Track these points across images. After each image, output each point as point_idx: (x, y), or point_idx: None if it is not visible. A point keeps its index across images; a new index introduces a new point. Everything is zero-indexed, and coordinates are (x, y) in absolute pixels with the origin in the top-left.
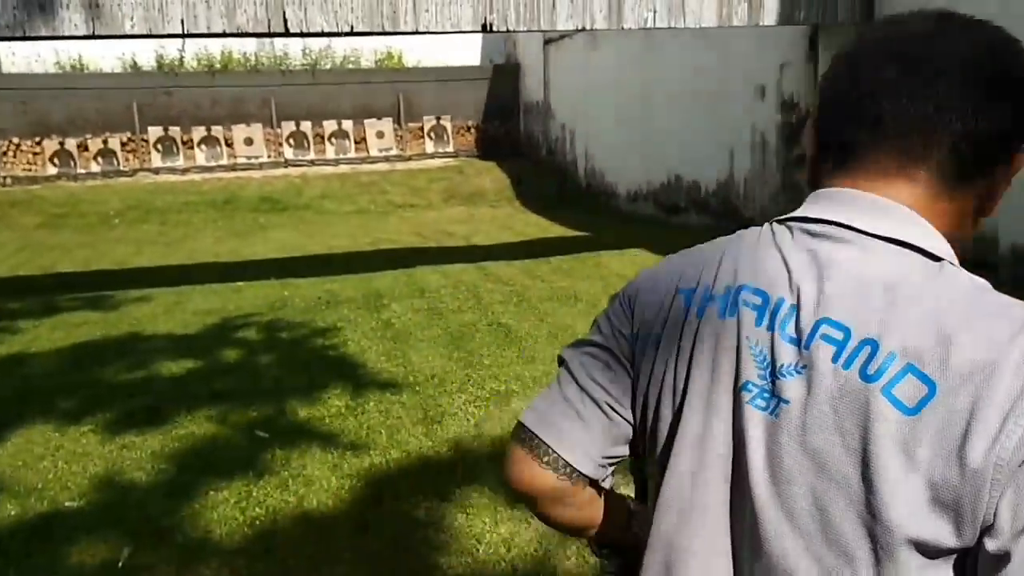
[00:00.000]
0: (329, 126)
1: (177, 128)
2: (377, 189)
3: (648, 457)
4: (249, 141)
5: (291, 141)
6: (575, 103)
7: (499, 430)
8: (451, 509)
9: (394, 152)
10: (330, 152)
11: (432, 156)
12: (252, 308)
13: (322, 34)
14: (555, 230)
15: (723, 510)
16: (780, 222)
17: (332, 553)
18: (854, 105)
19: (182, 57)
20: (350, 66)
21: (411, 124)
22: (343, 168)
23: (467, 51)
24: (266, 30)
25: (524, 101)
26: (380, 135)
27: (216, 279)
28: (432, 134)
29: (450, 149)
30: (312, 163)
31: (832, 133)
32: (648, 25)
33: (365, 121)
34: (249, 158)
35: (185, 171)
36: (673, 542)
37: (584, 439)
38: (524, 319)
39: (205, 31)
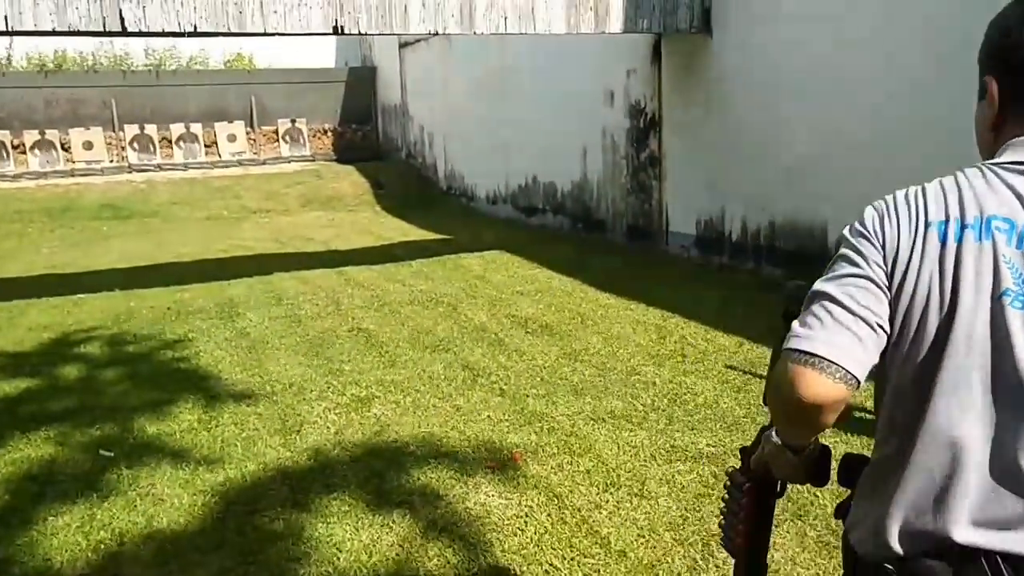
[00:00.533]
0: (176, 129)
1: (7, 132)
2: (230, 194)
3: (900, 360)
4: (88, 145)
5: (135, 145)
6: (432, 106)
7: (360, 436)
8: (311, 519)
9: (247, 156)
10: (178, 156)
11: (288, 160)
12: (94, 321)
13: (163, 34)
14: (416, 233)
15: (989, 395)
16: (992, 167)
17: (186, 572)
18: None
19: (9, 56)
20: (198, 67)
21: (264, 127)
22: (193, 173)
23: (321, 53)
24: (101, 29)
25: (382, 104)
26: (232, 138)
27: (54, 292)
28: (287, 137)
29: (307, 153)
30: (159, 167)
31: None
32: (500, 31)
33: (215, 124)
34: (89, 163)
35: (16, 177)
36: (952, 421)
37: (860, 354)
38: (385, 323)
39: (32, 29)
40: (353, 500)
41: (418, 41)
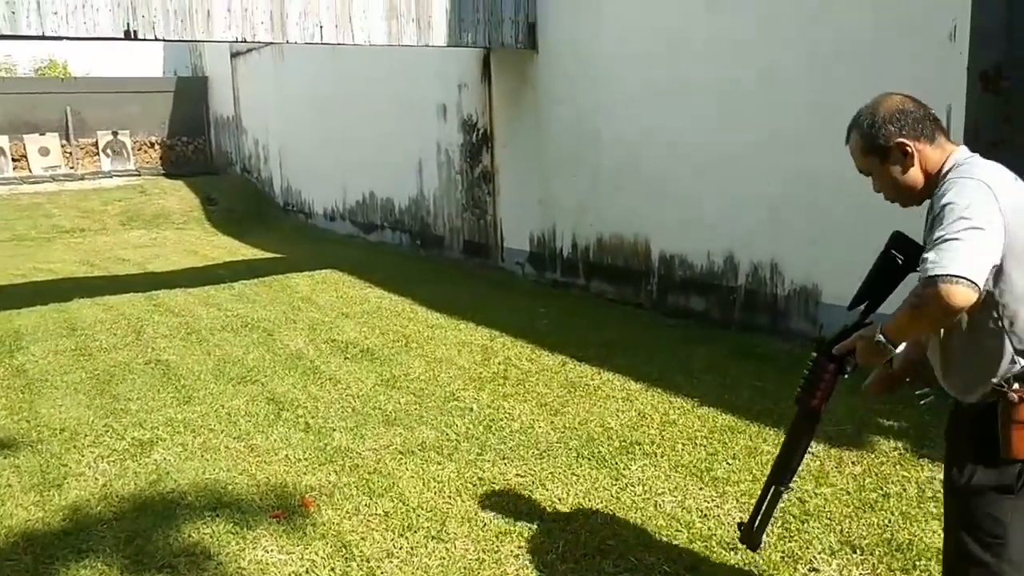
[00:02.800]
0: None
1: None
2: (40, 212)
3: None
4: None
5: None
6: (268, 118)
7: (132, 488)
8: None
9: (62, 171)
10: None
11: (109, 175)
12: None
13: None
14: (246, 252)
15: None
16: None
17: None
18: None
19: None
20: (3, 75)
21: (83, 140)
22: None
23: (147, 62)
24: None
25: (215, 115)
26: (44, 152)
27: None
28: (109, 150)
29: (131, 167)
30: None
31: None
32: (315, 40)
33: (25, 136)
34: None
35: None
36: None
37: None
38: (189, 353)
39: None
40: (106, 567)
41: (250, 51)
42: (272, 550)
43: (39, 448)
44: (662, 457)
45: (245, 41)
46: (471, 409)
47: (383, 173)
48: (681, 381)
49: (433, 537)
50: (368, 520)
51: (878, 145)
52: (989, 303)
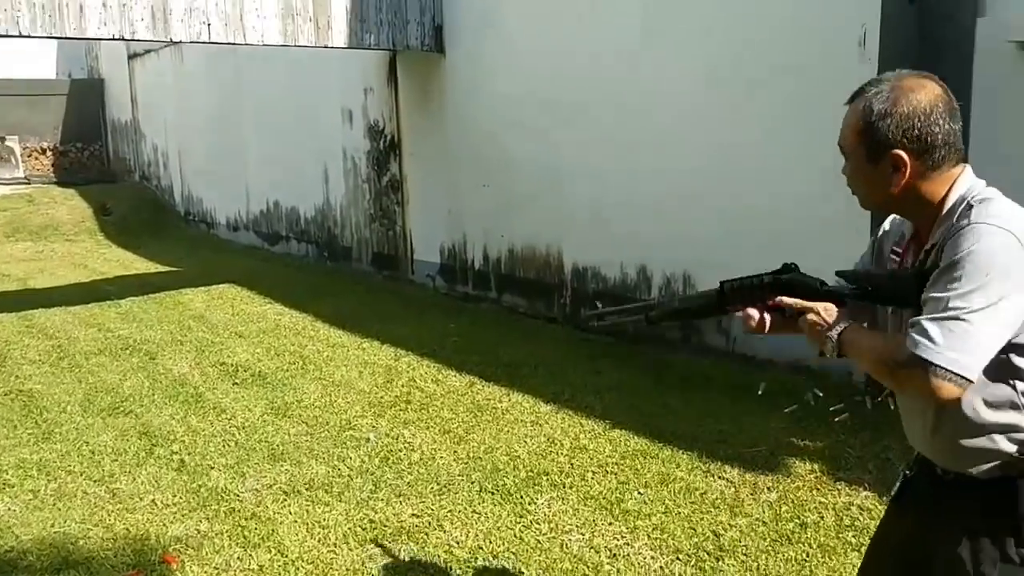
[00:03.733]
0: None
1: None
2: None
3: None
4: None
5: None
6: (167, 123)
7: None
8: None
9: None
10: None
11: None
12: None
13: None
14: (140, 266)
15: None
16: None
17: None
18: None
19: None
20: None
21: None
22: None
23: (38, 62)
24: None
25: (112, 120)
26: None
27: None
28: None
29: (20, 174)
30: None
31: None
32: (203, 39)
33: None
34: None
35: None
36: None
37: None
38: (57, 382)
39: None
40: None
41: (148, 52)
42: None
43: None
44: (571, 488)
45: (123, 39)
46: (367, 439)
47: (287, 181)
48: (592, 401)
49: None
50: None
51: (875, 140)
52: (1006, 370)
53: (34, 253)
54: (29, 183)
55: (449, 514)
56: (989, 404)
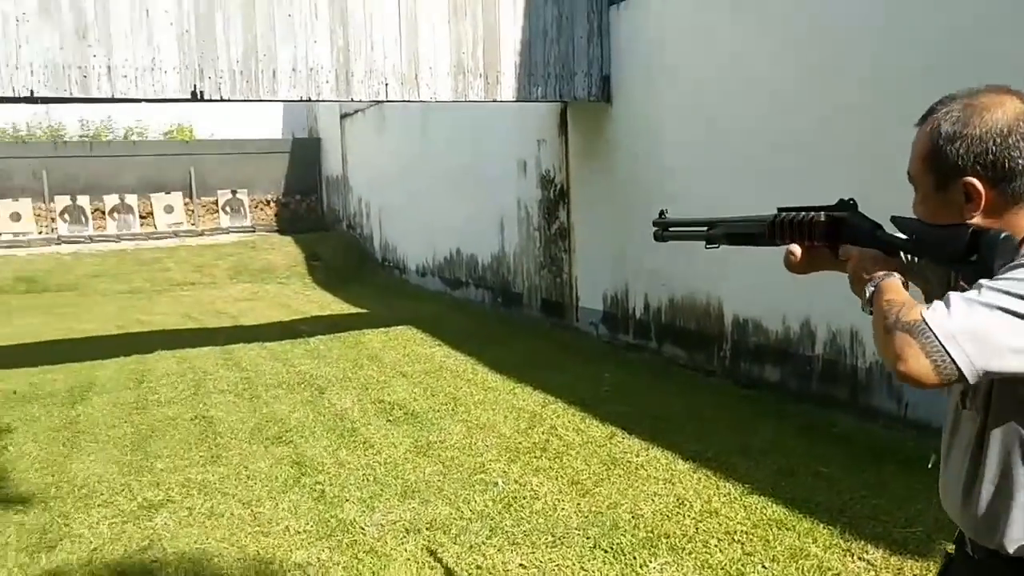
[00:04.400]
0: (110, 200)
1: None
2: (158, 267)
3: None
4: (16, 217)
5: (66, 216)
6: (370, 177)
7: (118, 554)
8: None
9: (185, 227)
10: (111, 228)
11: (227, 231)
12: None
13: None
14: (335, 307)
15: None
16: None
17: None
18: None
19: None
20: (135, 139)
21: (204, 198)
22: (125, 244)
23: (267, 123)
24: None
25: (326, 175)
26: (169, 209)
27: None
28: (227, 208)
29: (247, 224)
30: (91, 239)
31: None
32: (380, 97)
33: (152, 195)
34: (16, 235)
35: None
36: None
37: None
38: (236, 410)
39: None
40: None
41: (357, 112)
42: None
43: (51, 505)
44: (689, 554)
45: (310, 100)
46: (496, 483)
47: (468, 229)
48: (736, 462)
49: None
50: None
51: (943, 167)
52: None
53: (250, 293)
54: (255, 231)
55: (556, 568)
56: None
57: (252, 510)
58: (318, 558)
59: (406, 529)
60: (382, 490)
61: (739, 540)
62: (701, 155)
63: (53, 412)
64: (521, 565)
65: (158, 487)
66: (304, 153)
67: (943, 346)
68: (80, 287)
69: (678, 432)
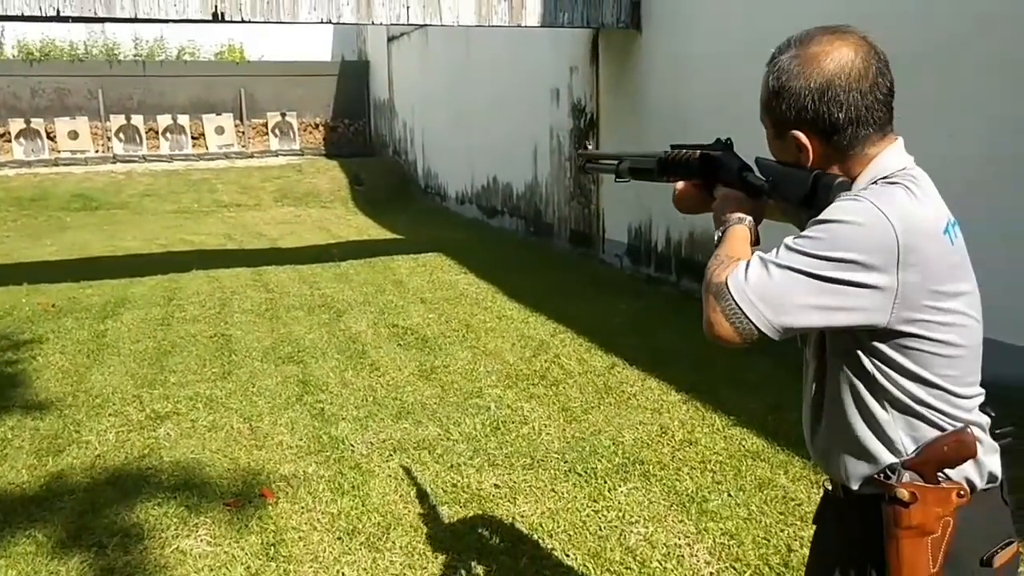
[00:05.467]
0: (163, 120)
1: None
2: (206, 187)
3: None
4: (74, 135)
5: (121, 136)
6: (415, 102)
7: (119, 460)
8: None
9: (235, 149)
10: (164, 148)
11: (276, 154)
12: None
13: (22, 18)
14: (373, 232)
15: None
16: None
17: None
18: None
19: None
20: (187, 59)
21: (255, 120)
22: (177, 165)
23: (316, 46)
24: None
25: (374, 99)
26: (220, 131)
27: None
28: (277, 131)
29: (296, 147)
30: (144, 159)
31: None
32: (402, 21)
33: (203, 116)
34: (74, 152)
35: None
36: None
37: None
38: (255, 330)
39: None
40: (44, 538)
41: (403, 35)
42: (203, 539)
43: (65, 413)
44: (660, 481)
45: (330, 22)
46: (488, 408)
47: (504, 157)
48: (728, 395)
49: (368, 544)
50: (317, 519)
51: (774, 117)
52: (863, 375)
53: (292, 217)
54: (303, 155)
55: (528, 488)
56: (854, 395)
57: (251, 424)
58: (304, 471)
59: (393, 448)
60: (378, 410)
61: (711, 469)
62: (729, 93)
63: (84, 325)
64: (495, 485)
65: (167, 400)
66: (352, 76)
67: (740, 308)
68: (131, 206)
69: (676, 365)
